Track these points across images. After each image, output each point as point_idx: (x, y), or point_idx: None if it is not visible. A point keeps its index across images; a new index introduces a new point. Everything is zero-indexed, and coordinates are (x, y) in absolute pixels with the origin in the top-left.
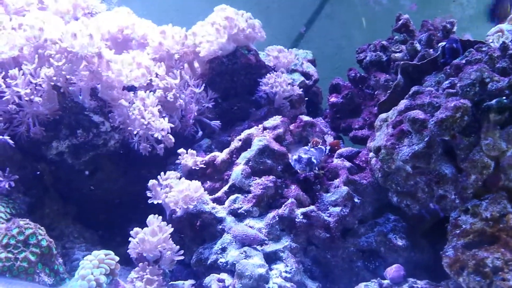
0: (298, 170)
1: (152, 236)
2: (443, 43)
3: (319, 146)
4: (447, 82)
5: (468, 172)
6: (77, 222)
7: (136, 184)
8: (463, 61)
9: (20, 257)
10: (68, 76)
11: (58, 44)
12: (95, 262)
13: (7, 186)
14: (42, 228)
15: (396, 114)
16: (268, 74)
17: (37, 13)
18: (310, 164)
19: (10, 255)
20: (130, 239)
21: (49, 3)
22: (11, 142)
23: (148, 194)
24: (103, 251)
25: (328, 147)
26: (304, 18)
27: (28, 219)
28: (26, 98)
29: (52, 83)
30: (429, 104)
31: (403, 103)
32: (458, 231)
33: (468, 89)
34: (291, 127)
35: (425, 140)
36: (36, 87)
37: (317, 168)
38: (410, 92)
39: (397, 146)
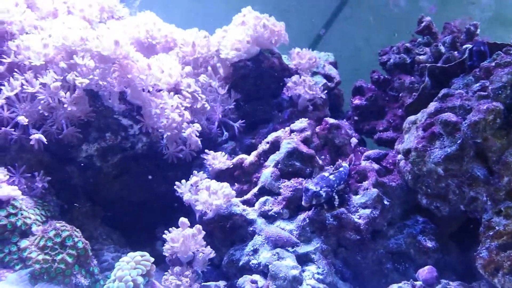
0: (303, 202)
1: (184, 238)
2: (469, 46)
3: (342, 165)
4: (477, 85)
5: (500, 174)
6: (105, 224)
7: (162, 185)
8: (493, 64)
9: (58, 259)
10: (100, 82)
11: (89, 48)
12: (131, 263)
13: (41, 188)
14: (77, 230)
15: (426, 117)
16: (292, 77)
17: (67, 18)
18: (317, 197)
19: (47, 257)
20: (165, 243)
21: (76, 8)
22: (44, 139)
23: (178, 194)
24: (139, 252)
25: (347, 166)
26: (323, 21)
27: (63, 221)
28: (61, 100)
29: (84, 87)
30: (460, 107)
31: (432, 106)
32: (491, 233)
33: (500, 91)
34: (317, 129)
35: (458, 142)
36: (69, 90)
37: (333, 194)
38: (440, 95)
39: (428, 149)
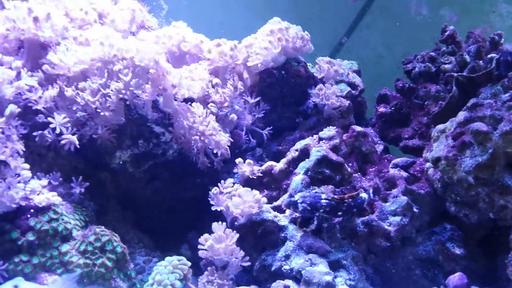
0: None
1: (218, 242)
2: (495, 55)
3: (361, 196)
4: (507, 95)
5: None
6: (136, 228)
7: (190, 191)
8: None
9: (98, 263)
10: (135, 91)
11: (124, 59)
12: (169, 267)
13: (78, 193)
14: (116, 234)
15: (455, 126)
16: (318, 85)
17: (101, 28)
18: (293, 206)
19: (88, 261)
20: (199, 245)
21: (108, 18)
22: (76, 141)
23: (210, 200)
24: (176, 256)
25: (366, 197)
26: (345, 29)
27: (103, 226)
28: (95, 107)
29: (120, 96)
30: (491, 117)
31: (462, 115)
32: None
33: None
34: (344, 137)
35: (489, 152)
36: (106, 98)
37: (312, 215)
38: (469, 104)
39: (459, 158)
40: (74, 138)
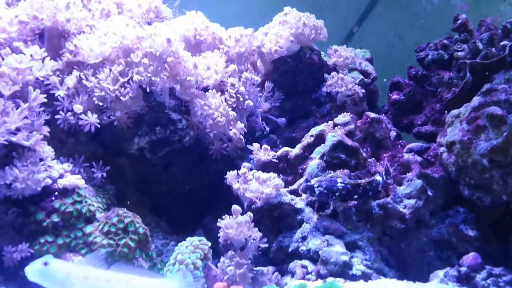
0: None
1: (238, 224)
2: (507, 42)
3: (376, 178)
4: None
5: None
6: (153, 213)
7: (205, 177)
8: None
9: (121, 243)
10: (153, 78)
11: (143, 47)
12: (190, 247)
13: (100, 177)
14: (138, 216)
15: (469, 111)
16: (332, 73)
17: (119, 18)
18: (309, 191)
19: (111, 241)
20: (219, 226)
21: (125, 8)
22: (97, 122)
23: (227, 184)
24: (197, 237)
25: (380, 180)
26: (356, 18)
27: (125, 208)
28: (115, 95)
29: (139, 83)
30: (505, 101)
31: (476, 100)
32: None
33: None
34: (358, 123)
35: (504, 135)
36: (125, 86)
37: (328, 200)
38: (483, 89)
39: (474, 141)
40: (95, 119)
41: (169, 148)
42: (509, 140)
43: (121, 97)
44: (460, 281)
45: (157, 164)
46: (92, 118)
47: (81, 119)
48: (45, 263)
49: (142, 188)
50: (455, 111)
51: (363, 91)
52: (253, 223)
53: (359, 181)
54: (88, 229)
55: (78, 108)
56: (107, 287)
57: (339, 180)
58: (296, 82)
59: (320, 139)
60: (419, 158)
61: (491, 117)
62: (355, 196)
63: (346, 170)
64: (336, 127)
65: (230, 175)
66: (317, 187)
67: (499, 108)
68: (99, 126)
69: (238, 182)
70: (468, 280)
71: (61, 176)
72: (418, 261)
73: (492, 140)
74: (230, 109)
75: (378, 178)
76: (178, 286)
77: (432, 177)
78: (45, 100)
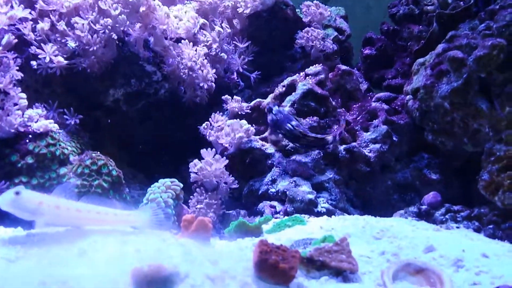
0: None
1: (209, 166)
2: None
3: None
4: (482, 25)
5: (502, 105)
6: (130, 165)
7: (182, 131)
8: (497, 7)
9: (95, 184)
10: (122, 28)
11: None
12: (162, 188)
13: (74, 124)
14: (111, 160)
15: (434, 57)
16: (305, 29)
17: None
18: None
19: (85, 182)
20: (190, 169)
21: None
22: (63, 61)
23: (202, 134)
24: (169, 179)
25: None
26: None
27: (98, 152)
28: (85, 42)
29: (110, 32)
30: (466, 45)
31: (440, 47)
32: (492, 158)
33: (503, 29)
34: (330, 75)
35: (464, 77)
36: (97, 35)
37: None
38: (447, 37)
39: (436, 85)
40: (62, 59)
41: (145, 101)
42: (468, 81)
43: (93, 45)
44: (419, 217)
45: (134, 117)
46: (62, 61)
47: (53, 62)
48: (17, 193)
49: (118, 141)
50: (420, 60)
51: (337, 46)
52: (226, 170)
53: (311, 134)
54: (62, 170)
55: (48, 48)
56: (77, 217)
57: (293, 123)
58: (271, 37)
59: (291, 88)
60: (386, 106)
61: (452, 60)
62: (297, 144)
63: (315, 117)
64: (307, 77)
65: (204, 125)
66: (274, 114)
67: (461, 52)
68: (64, 62)
69: (211, 130)
70: (428, 217)
71: (35, 120)
72: (383, 203)
73: (453, 83)
74: (203, 59)
75: (329, 137)
76: (147, 219)
77: (398, 123)
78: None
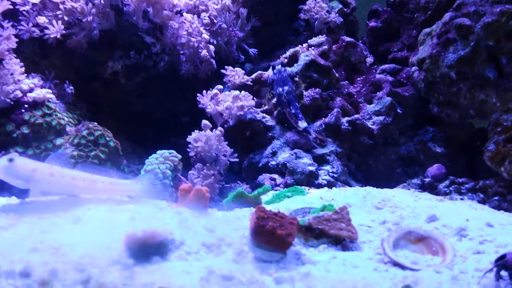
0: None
1: (207, 138)
2: None
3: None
4: None
5: (510, 74)
6: (130, 140)
7: (182, 105)
8: None
9: (91, 155)
10: None
11: None
12: (160, 159)
13: (71, 94)
14: (108, 131)
15: (440, 26)
16: (308, 1)
17: None
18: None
19: (82, 153)
20: (189, 140)
21: None
22: (58, 32)
23: (201, 106)
24: (167, 150)
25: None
26: None
27: (95, 122)
28: (85, 12)
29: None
30: (474, 12)
31: (447, 15)
32: (499, 129)
33: None
34: (334, 47)
35: (471, 45)
36: (93, 3)
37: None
38: (455, 5)
39: (442, 54)
40: (60, 30)
41: (144, 74)
42: (476, 50)
43: (87, 15)
44: (423, 189)
45: (132, 90)
46: (57, 28)
47: (47, 28)
48: (10, 160)
49: (117, 115)
50: (427, 29)
51: (341, 19)
52: (226, 142)
53: (290, 110)
54: (59, 141)
55: (42, 19)
56: (72, 184)
57: (286, 88)
58: (275, 11)
59: (294, 59)
60: (390, 78)
61: (460, 28)
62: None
63: (317, 89)
64: (310, 48)
65: (203, 98)
66: (274, 73)
67: (468, 19)
68: (61, 38)
69: (211, 103)
70: (431, 189)
71: (31, 90)
72: (386, 177)
73: (460, 51)
74: (204, 31)
75: (302, 124)
76: (145, 188)
77: (402, 95)
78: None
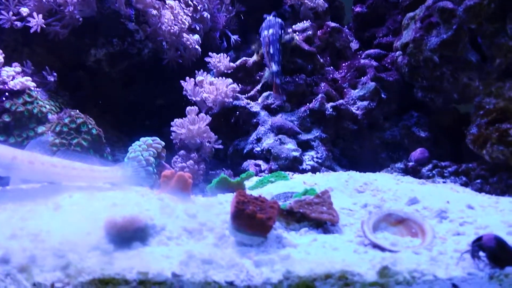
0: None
1: (192, 124)
2: None
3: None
4: None
5: (493, 57)
6: (115, 128)
7: (167, 94)
8: None
9: (74, 143)
10: None
11: None
12: (143, 146)
13: (53, 82)
14: (91, 118)
15: (423, 10)
16: None
17: None
18: None
19: (64, 141)
20: (172, 128)
21: None
22: (42, 21)
23: (185, 94)
24: (151, 137)
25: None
26: None
27: (77, 110)
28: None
29: None
30: None
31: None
32: (481, 112)
33: None
34: (318, 33)
35: (453, 28)
36: None
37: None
38: None
39: (425, 37)
40: (41, 20)
41: (128, 62)
42: (458, 33)
43: (69, 5)
44: (406, 173)
45: (117, 79)
46: (38, 21)
47: (29, 21)
48: None
49: (102, 103)
50: (410, 14)
51: (327, 5)
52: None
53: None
54: (40, 129)
55: (24, 10)
56: (53, 172)
57: (271, 30)
58: None
59: None
60: (375, 63)
61: (442, 11)
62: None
63: (302, 75)
64: (294, 34)
65: (188, 85)
66: (264, 22)
67: (451, 2)
68: (44, 26)
69: (195, 89)
70: (415, 173)
71: (12, 78)
72: (371, 162)
73: (443, 35)
74: (186, 17)
75: (274, 67)
76: (127, 175)
77: (387, 80)
78: None
